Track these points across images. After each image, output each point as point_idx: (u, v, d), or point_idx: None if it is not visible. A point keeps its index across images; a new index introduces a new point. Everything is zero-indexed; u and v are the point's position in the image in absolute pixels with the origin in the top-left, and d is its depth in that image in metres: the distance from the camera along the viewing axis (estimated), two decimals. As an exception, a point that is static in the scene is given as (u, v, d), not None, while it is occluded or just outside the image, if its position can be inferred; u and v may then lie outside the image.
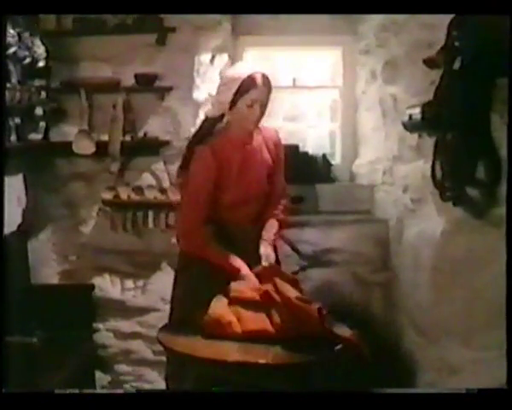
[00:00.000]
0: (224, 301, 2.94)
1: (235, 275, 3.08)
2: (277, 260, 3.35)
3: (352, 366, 3.24)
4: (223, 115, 3.20)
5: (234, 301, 2.91)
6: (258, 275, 3.07)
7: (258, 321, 2.82)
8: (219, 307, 2.90)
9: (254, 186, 3.25)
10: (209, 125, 3.25)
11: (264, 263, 3.14)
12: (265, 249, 3.20)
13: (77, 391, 2.49)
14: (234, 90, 3.05)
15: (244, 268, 3.10)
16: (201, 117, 4.40)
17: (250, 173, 3.23)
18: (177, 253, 3.53)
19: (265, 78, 3.08)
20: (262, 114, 3.17)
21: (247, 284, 3.01)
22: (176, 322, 3.20)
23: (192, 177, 3.20)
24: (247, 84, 3.04)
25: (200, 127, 3.30)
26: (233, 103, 3.08)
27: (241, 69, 3.18)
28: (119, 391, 4.27)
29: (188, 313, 3.01)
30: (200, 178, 3.17)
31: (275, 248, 3.31)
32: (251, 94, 3.05)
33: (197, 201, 3.17)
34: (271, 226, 3.31)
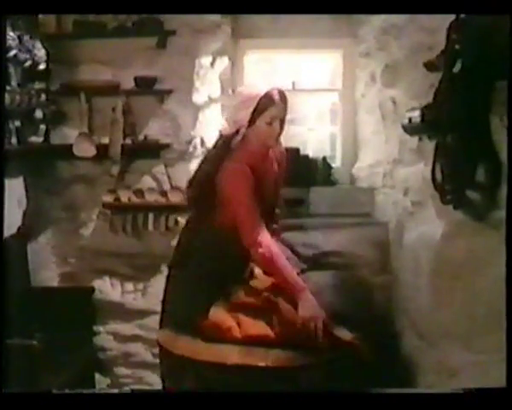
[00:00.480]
0: (224, 305, 2.94)
1: (294, 294, 2.96)
2: None
3: (351, 368, 3.24)
4: (237, 131, 3.13)
5: (234, 307, 2.91)
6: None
7: (258, 327, 2.83)
8: (219, 311, 2.90)
9: (269, 196, 3.22)
10: (224, 143, 3.17)
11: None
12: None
13: (76, 391, 2.49)
14: (251, 109, 3.01)
15: (306, 291, 2.98)
16: (201, 120, 4.44)
17: (267, 185, 3.20)
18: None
19: (282, 93, 3.06)
20: (282, 129, 3.14)
21: (302, 308, 2.90)
22: (175, 324, 3.20)
23: (236, 192, 3.06)
24: (265, 103, 3.01)
25: (215, 145, 3.23)
26: (252, 122, 3.04)
27: (258, 87, 3.12)
28: (119, 391, 4.27)
29: (186, 314, 3.01)
30: (246, 189, 3.04)
31: None
32: (270, 112, 3.02)
33: (253, 211, 3.05)
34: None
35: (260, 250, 2.98)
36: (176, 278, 3.35)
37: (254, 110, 3.01)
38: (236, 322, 2.85)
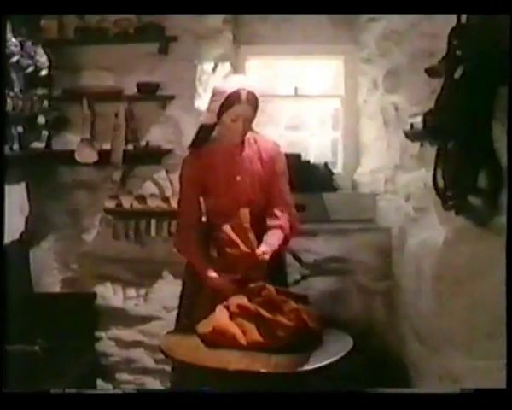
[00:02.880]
0: (227, 312, 2.94)
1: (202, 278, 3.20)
2: (281, 271, 3.35)
3: (353, 373, 3.24)
4: (215, 124, 3.27)
5: (235, 315, 2.91)
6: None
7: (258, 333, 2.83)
8: (223, 318, 2.89)
9: (242, 194, 3.26)
10: (204, 133, 3.33)
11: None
12: (260, 248, 3.14)
13: (76, 391, 2.49)
14: (220, 103, 3.14)
15: (210, 272, 3.17)
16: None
17: (237, 182, 3.27)
18: (179, 262, 3.55)
19: (251, 95, 3.13)
20: (246, 128, 3.23)
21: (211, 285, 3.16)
22: (179, 331, 3.20)
23: (180, 183, 3.39)
24: (232, 100, 3.11)
25: (197, 135, 3.36)
26: (219, 115, 3.17)
27: (230, 83, 3.24)
28: (119, 392, 4.28)
29: (192, 322, 3.02)
30: (186, 183, 3.35)
31: (277, 258, 3.27)
32: (234, 110, 3.12)
33: (183, 205, 3.37)
34: (273, 234, 3.25)
35: (175, 239, 3.51)
36: (186, 286, 3.40)
37: (222, 105, 3.14)
38: (241, 329, 2.84)
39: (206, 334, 2.85)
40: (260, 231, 3.25)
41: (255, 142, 3.34)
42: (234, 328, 2.83)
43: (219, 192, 3.26)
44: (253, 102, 3.15)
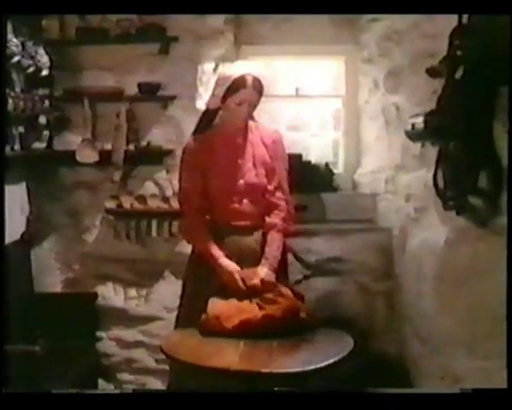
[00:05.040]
0: (220, 300, 3.00)
1: (213, 263, 3.16)
2: (283, 271, 3.37)
3: (354, 374, 3.23)
4: (218, 109, 3.30)
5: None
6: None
7: (252, 310, 2.92)
8: (217, 304, 2.94)
9: (244, 177, 3.28)
10: (208, 118, 3.36)
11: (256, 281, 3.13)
12: (262, 269, 3.18)
13: (77, 391, 2.49)
14: (225, 87, 3.16)
15: (221, 258, 3.17)
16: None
17: (239, 165, 3.28)
18: (181, 262, 3.55)
19: (257, 80, 3.17)
20: (250, 113, 3.29)
21: (224, 274, 3.14)
22: (180, 331, 3.21)
23: (181, 169, 3.38)
24: (238, 84, 3.14)
25: (201, 119, 3.40)
26: (224, 99, 3.19)
27: (236, 68, 3.28)
28: (120, 392, 4.28)
29: (193, 320, 3.03)
30: (187, 168, 3.34)
31: (280, 263, 3.30)
32: (240, 94, 3.16)
33: (185, 189, 3.35)
34: (273, 241, 3.27)
35: (181, 225, 3.57)
36: (187, 286, 3.40)
37: (227, 89, 3.16)
38: (236, 311, 2.91)
39: (202, 321, 2.89)
40: (258, 212, 3.31)
41: (256, 128, 3.37)
42: (228, 310, 2.89)
43: (221, 175, 3.27)
44: (259, 87, 3.19)
